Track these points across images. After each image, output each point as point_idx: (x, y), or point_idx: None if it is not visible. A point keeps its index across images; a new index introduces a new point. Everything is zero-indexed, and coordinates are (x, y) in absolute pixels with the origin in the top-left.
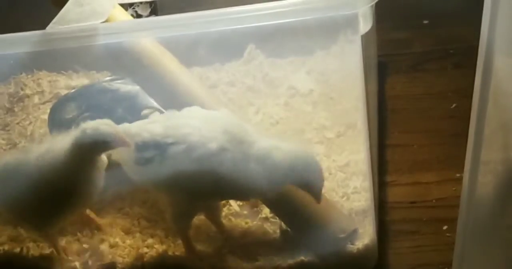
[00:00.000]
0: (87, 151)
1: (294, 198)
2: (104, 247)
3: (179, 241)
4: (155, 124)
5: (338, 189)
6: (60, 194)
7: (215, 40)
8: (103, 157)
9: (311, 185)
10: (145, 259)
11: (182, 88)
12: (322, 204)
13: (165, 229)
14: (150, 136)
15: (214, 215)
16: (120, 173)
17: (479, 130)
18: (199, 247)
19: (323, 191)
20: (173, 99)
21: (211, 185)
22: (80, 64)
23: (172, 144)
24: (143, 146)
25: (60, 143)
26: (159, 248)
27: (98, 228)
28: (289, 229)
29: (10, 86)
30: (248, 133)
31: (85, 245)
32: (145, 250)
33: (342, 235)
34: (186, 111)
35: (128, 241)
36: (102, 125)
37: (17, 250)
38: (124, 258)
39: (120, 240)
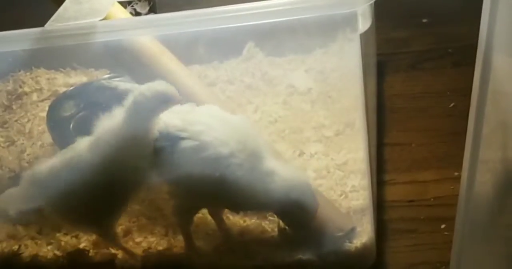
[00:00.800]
0: (146, 114)
1: None
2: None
3: (179, 238)
4: (173, 115)
5: (336, 188)
6: (119, 181)
7: (213, 38)
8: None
9: (305, 211)
10: (144, 256)
11: (181, 86)
12: (321, 202)
13: (164, 227)
14: (165, 126)
15: (217, 212)
16: None
17: (478, 129)
18: (198, 244)
19: (321, 189)
20: None
21: (213, 187)
22: (78, 61)
23: (185, 138)
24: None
25: (111, 122)
26: (158, 245)
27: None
28: (287, 228)
29: (8, 84)
30: (260, 147)
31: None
32: (144, 247)
33: (340, 234)
34: (205, 108)
35: (127, 239)
36: (157, 85)
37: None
38: (123, 255)
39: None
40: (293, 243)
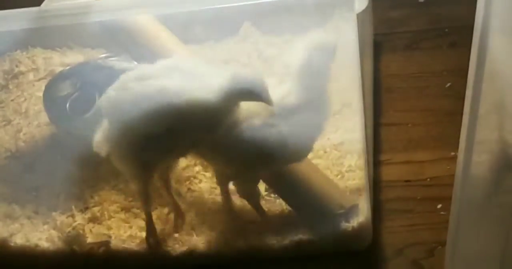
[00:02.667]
0: (232, 97)
1: (294, 174)
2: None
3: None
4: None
5: (332, 168)
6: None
7: (210, 18)
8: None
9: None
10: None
11: None
12: (321, 180)
13: (163, 205)
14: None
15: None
16: None
17: (474, 109)
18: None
19: (320, 167)
20: None
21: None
22: (75, 41)
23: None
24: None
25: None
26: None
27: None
28: (289, 207)
29: (4, 63)
30: None
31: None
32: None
33: (341, 211)
34: None
35: (123, 217)
36: (253, 75)
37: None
38: (121, 237)
39: (116, 218)
40: (293, 223)
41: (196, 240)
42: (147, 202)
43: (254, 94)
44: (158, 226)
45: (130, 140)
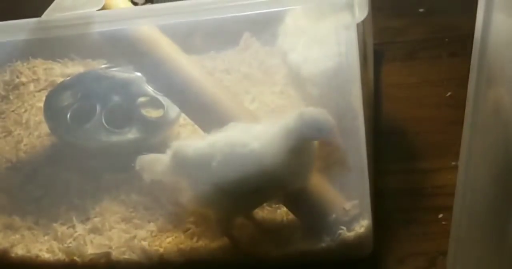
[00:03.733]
0: (298, 137)
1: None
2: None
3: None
4: None
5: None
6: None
7: (210, 28)
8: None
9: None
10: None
11: (181, 74)
12: (325, 188)
13: (163, 216)
14: None
15: None
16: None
17: (475, 119)
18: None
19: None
20: (173, 86)
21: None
22: (75, 52)
23: None
24: None
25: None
26: (160, 237)
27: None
28: (289, 217)
29: (5, 74)
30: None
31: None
32: (143, 236)
33: (342, 220)
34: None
35: (124, 228)
36: (320, 114)
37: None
38: (122, 248)
39: (117, 229)
40: (295, 232)
41: (199, 249)
42: (231, 238)
43: (323, 132)
44: None
45: (219, 198)
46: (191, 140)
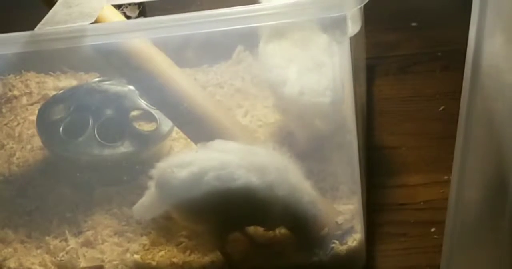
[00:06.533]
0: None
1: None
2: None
3: (169, 247)
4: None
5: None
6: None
7: (203, 42)
8: None
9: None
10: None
11: (174, 88)
12: (318, 202)
13: (155, 229)
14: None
15: None
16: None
17: (467, 133)
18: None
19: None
20: (165, 100)
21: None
22: (68, 65)
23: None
24: None
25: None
26: (153, 250)
27: None
28: (282, 231)
29: None
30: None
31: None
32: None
33: (335, 234)
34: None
35: (117, 241)
36: None
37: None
38: (114, 261)
39: (109, 242)
40: (288, 245)
41: (191, 263)
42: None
43: None
44: None
45: (210, 217)
46: (172, 163)
